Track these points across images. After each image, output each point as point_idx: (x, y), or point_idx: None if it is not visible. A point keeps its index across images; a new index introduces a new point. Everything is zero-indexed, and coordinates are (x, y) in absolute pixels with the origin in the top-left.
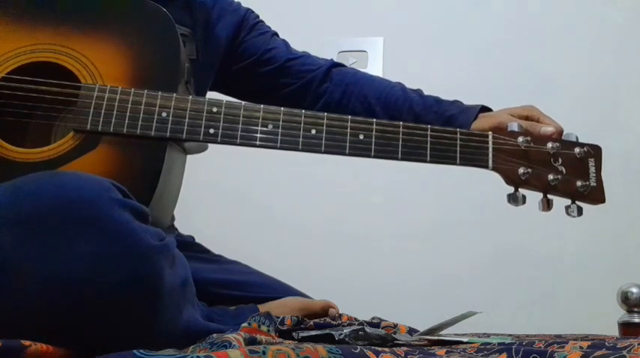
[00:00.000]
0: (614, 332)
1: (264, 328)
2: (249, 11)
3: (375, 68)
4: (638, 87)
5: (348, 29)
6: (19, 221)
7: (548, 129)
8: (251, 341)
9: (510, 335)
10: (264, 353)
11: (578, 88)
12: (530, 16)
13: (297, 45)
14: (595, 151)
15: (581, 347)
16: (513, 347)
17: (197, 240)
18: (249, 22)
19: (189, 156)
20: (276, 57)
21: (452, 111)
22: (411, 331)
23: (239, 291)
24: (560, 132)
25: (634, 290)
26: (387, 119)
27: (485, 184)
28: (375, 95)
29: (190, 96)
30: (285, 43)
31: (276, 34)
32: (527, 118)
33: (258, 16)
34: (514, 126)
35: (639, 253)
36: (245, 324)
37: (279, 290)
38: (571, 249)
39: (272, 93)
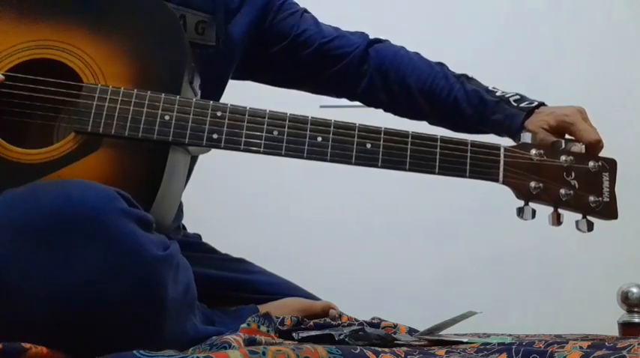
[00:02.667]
0: (614, 332)
1: (263, 328)
2: None
3: None
4: (637, 87)
5: (348, 29)
6: (23, 233)
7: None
8: (251, 342)
9: (510, 335)
10: (264, 353)
11: (578, 88)
12: (530, 16)
13: None
14: (610, 165)
15: (581, 347)
16: (513, 347)
17: (204, 239)
18: (276, 3)
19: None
20: (309, 40)
21: (497, 116)
22: (411, 331)
23: (244, 290)
24: (593, 143)
25: (634, 290)
26: (431, 111)
27: (486, 185)
28: (418, 86)
29: (194, 99)
30: (315, 22)
31: (305, 10)
32: (557, 129)
33: None
34: (527, 137)
35: (639, 253)
36: (244, 325)
37: (285, 289)
38: (571, 249)
39: (309, 78)
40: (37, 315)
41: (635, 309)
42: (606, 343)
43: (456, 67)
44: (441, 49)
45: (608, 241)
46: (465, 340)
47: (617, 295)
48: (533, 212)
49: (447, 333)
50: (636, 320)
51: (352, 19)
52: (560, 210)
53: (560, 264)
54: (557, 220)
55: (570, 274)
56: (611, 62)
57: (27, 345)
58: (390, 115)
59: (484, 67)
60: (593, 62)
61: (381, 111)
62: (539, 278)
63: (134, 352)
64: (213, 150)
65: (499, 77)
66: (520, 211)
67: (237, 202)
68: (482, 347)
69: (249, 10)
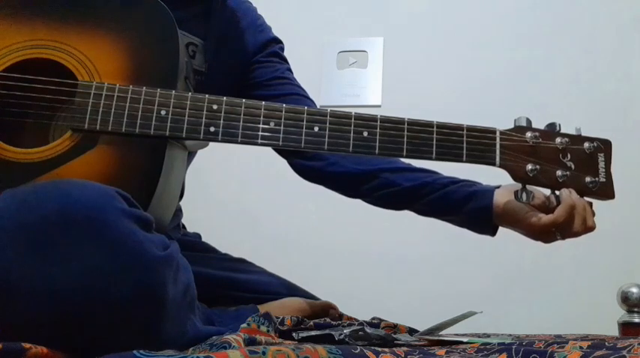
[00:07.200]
0: (614, 332)
1: (263, 328)
2: (276, 39)
3: (375, 68)
4: (633, 86)
5: (348, 29)
6: (23, 233)
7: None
8: (251, 342)
9: (510, 335)
10: (264, 353)
11: (577, 87)
12: (530, 15)
13: (298, 45)
14: (605, 146)
15: (581, 347)
16: (513, 347)
17: (204, 239)
18: (272, 48)
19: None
20: (287, 83)
21: (475, 187)
22: (411, 331)
23: (244, 290)
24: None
25: (634, 290)
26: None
27: (486, 182)
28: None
29: (190, 94)
30: (303, 90)
31: (290, 69)
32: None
33: (283, 48)
34: (522, 120)
35: (639, 253)
36: (244, 325)
37: (285, 289)
38: (571, 248)
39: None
40: (37, 315)
41: (635, 309)
42: (606, 343)
43: (454, 67)
44: (439, 48)
45: (608, 241)
46: (465, 340)
47: (617, 295)
48: (531, 194)
49: (447, 333)
50: (636, 320)
51: (357, 15)
52: (557, 192)
53: (560, 264)
54: (555, 202)
55: (570, 274)
56: (611, 61)
57: (27, 345)
58: (388, 111)
59: (484, 67)
60: (591, 60)
61: (381, 109)
62: (539, 277)
63: (134, 352)
64: (213, 148)
65: (499, 77)
66: (517, 194)
67: (237, 202)
68: (482, 347)
69: (245, 44)
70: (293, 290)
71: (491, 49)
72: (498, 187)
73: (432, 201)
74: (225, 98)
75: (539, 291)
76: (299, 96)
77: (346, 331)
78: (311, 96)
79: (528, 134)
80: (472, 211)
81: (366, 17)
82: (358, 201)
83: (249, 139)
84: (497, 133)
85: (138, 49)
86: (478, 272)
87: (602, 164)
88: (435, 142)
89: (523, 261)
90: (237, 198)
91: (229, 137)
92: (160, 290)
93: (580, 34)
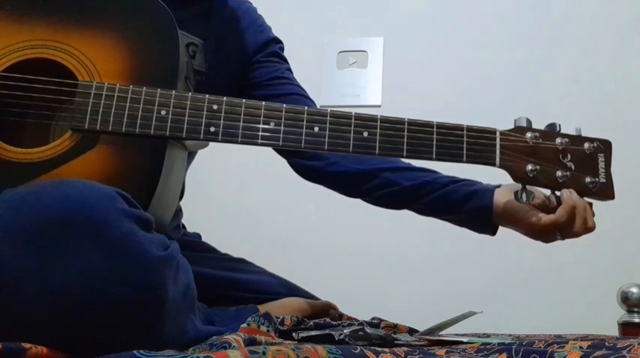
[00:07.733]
0: (614, 332)
1: (263, 328)
2: (276, 39)
3: (375, 68)
4: (633, 86)
5: (348, 29)
6: (22, 233)
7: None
8: (251, 342)
9: (510, 335)
10: (264, 353)
11: (577, 87)
12: (530, 15)
13: (298, 45)
14: (605, 146)
15: (581, 347)
16: (513, 347)
17: (203, 239)
18: (272, 48)
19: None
20: (287, 83)
21: (475, 187)
22: (411, 331)
23: (244, 290)
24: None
25: (634, 290)
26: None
27: (486, 182)
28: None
29: (190, 94)
30: (303, 90)
31: (290, 69)
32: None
33: (283, 48)
34: (522, 120)
35: (639, 253)
36: (244, 325)
37: (285, 289)
38: (571, 249)
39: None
40: (37, 316)
41: (635, 309)
42: (606, 343)
43: (454, 67)
44: (439, 48)
45: (608, 241)
46: (465, 340)
47: (617, 295)
48: (531, 195)
49: (447, 333)
50: (636, 320)
51: (357, 15)
52: (557, 193)
53: (560, 264)
54: (555, 202)
55: (570, 274)
56: (611, 61)
57: (27, 345)
58: (388, 111)
59: (484, 67)
60: (591, 60)
61: (381, 109)
62: (539, 277)
63: (134, 352)
64: (213, 148)
65: (499, 77)
66: (517, 194)
67: (237, 202)
68: (482, 347)
69: (245, 44)
70: (293, 290)
71: (491, 49)
72: (498, 186)
73: (432, 201)
74: (225, 98)
75: (539, 291)
76: (299, 96)
77: (346, 331)
78: (311, 96)
79: (528, 134)
80: (472, 210)
81: (366, 17)
82: (358, 201)
83: (249, 139)
84: (497, 133)
85: (138, 49)
86: (478, 272)
87: (602, 164)
88: (434, 142)
89: (523, 261)
90: (237, 198)
91: (229, 137)
92: (160, 290)
93: (580, 34)
